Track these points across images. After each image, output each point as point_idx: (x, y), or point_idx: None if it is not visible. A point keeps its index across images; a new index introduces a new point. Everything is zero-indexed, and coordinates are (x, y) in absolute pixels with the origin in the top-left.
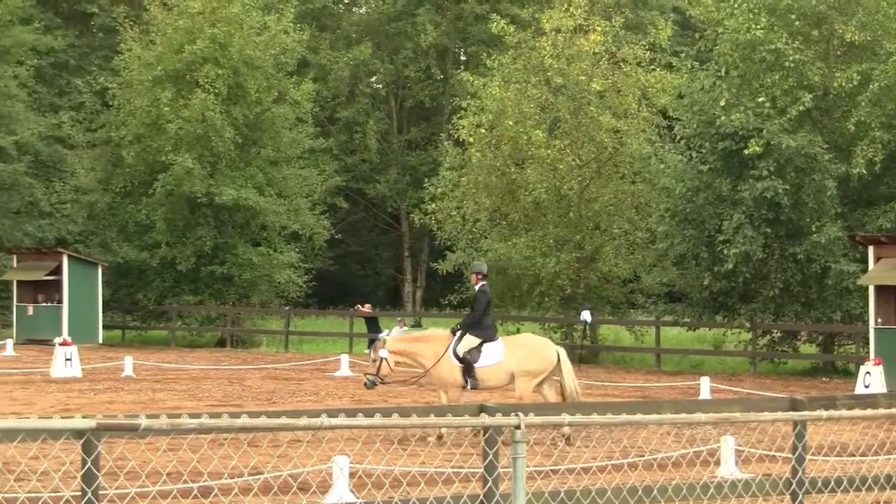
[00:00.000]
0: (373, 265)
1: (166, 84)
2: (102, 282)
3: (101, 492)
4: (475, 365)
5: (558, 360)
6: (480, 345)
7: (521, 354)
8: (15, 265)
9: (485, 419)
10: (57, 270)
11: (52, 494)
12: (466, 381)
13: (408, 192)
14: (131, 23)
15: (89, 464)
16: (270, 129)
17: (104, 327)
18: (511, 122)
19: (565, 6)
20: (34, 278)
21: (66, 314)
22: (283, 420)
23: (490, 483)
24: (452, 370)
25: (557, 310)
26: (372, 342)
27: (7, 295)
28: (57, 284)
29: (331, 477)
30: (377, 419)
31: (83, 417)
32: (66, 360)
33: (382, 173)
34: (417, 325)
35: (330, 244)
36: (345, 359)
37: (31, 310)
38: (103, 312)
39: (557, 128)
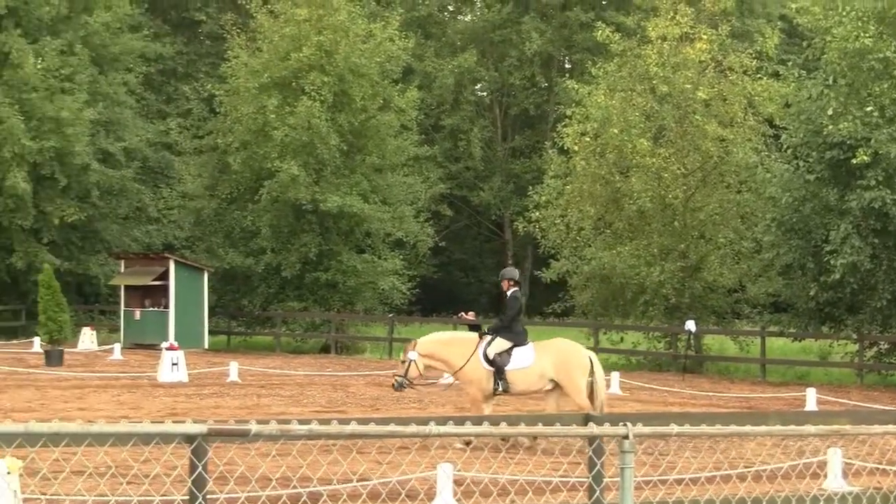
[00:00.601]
0: (476, 273)
1: (272, 91)
2: (208, 287)
3: (210, 496)
4: (505, 368)
5: (591, 365)
6: (511, 348)
7: (556, 359)
8: (122, 270)
9: (593, 429)
10: (164, 276)
11: (163, 498)
12: (497, 385)
13: (512, 199)
14: (238, 30)
15: (200, 468)
16: (375, 136)
17: (210, 332)
18: (616, 131)
19: (671, 14)
20: (141, 283)
21: (173, 319)
22: (392, 427)
23: (597, 493)
24: (481, 373)
25: (661, 319)
26: None
27: (115, 300)
28: (164, 289)
29: (422, 484)
30: (485, 427)
31: (194, 422)
32: (173, 364)
33: (486, 181)
34: None
35: (434, 252)
36: None
37: (138, 314)
38: (209, 318)
39: (662, 136)
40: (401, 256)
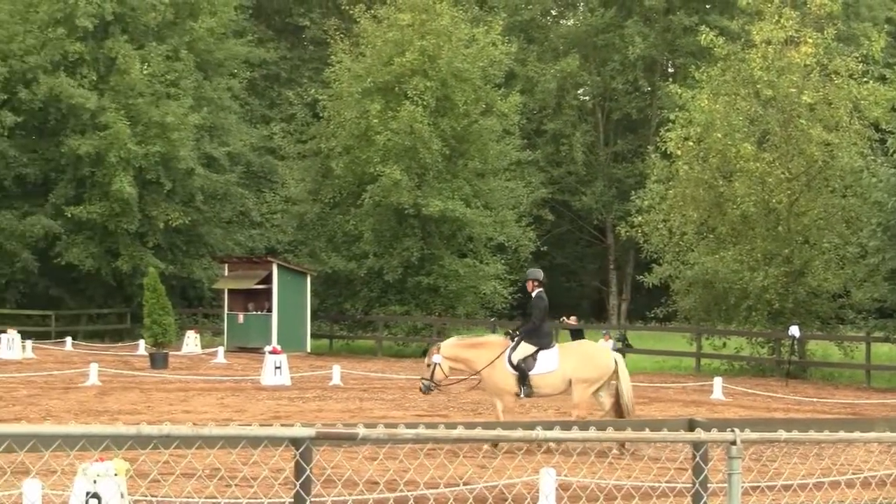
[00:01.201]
0: (578, 277)
1: (375, 96)
2: (311, 291)
3: (316, 499)
4: (530, 373)
5: (615, 367)
6: (536, 352)
7: (577, 362)
8: (226, 274)
9: (700, 435)
10: (267, 279)
11: (270, 501)
12: (521, 389)
13: (613, 204)
14: (341, 35)
15: (308, 471)
16: (477, 140)
17: (312, 336)
18: (719, 135)
19: (776, 18)
20: (245, 287)
21: (276, 323)
22: (499, 432)
23: (704, 499)
24: (506, 377)
25: (765, 324)
26: None
27: (218, 303)
28: (267, 293)
29: (529, 489)
30: (591, 432)
31: (302, 426)
32: (276, 368)
33: (588, 185)
34: (623, 339)
35: (535, 256)
36: None
37: (241, 318)
38: (311, 321)
39: (766, 140)
40: (502, 261)
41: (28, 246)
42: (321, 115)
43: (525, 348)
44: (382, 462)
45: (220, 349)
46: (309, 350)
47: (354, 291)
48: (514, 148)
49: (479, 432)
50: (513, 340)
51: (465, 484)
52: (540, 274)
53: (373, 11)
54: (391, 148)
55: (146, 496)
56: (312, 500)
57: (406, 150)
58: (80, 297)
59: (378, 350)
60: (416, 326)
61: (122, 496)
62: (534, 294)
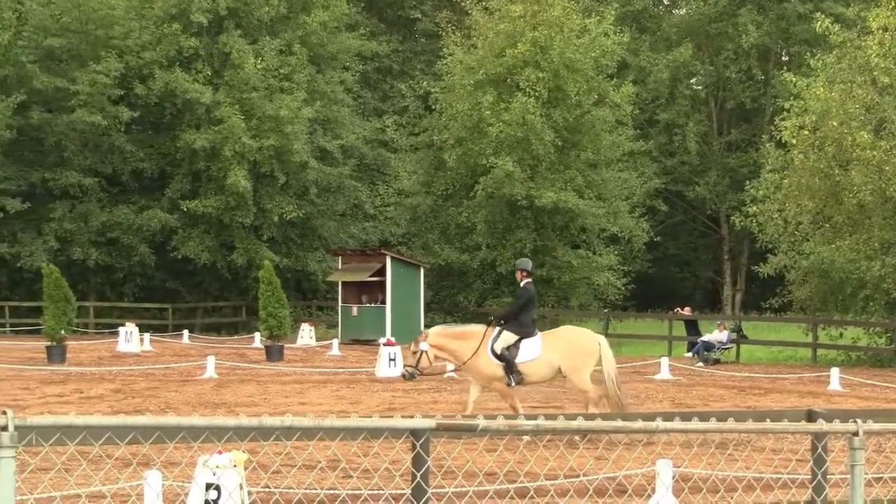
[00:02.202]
0: (691, 268)
1: (487, 88)
2: (424, 283)
3: (435, 490)
4: (515, 361)
5: (600, 349)
6: (518, 341)
7: (563, 348)
8: (340, 266)
9: (822, 426)
10: (380, 272)
11: (392, 492)
12: (510, 378)
13: (728, 194)
14: (453, 27)
15: (428, 463)
16: (590, 131)
17: (426, 327)
18: (835, 123)
19: (893, 4)
20: (358, 279)
21: (390, 315)
22: (619, 423)
23: (826, 490)
24: (490, 366)
25: (883, 314)
26: (692, 345)
27: (332, 296)
28: (380, 285)
29: (648, 481)
30: (712, 423)
31: (422, 417)
32: (390, 360)
33: (702, 175)
34: (738, 329)
35: (649, 247)
36: (664, 362)
37: (355, 310)
38: (425, 313)
39: (883, 128)
40: (616, 252)
41: (145, 240)
42: (433, 107)
43: (507, 337)
44: (502, 454)
45: (335, 341)
46: None
47: (467, 283)
48: (627, 138)
49: (599, 423)
50: (494, 328)
51: (584, 475)
52: (528, 264)
53: (484, 3)
54: (504, 139)
55: (267, 488)
56: (432, 491)
57: (518, 142)
58: (196, 290)
59: None
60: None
61: (241, 487)
62: (522, 283)
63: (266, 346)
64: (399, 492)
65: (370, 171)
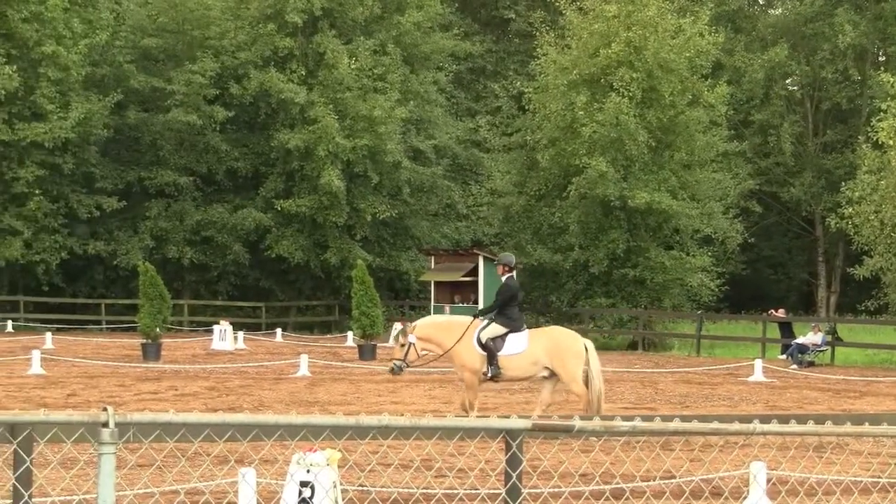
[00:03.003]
0: (785, 269)
1: (581, 88)
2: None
3: (530, 490)
4: (498, 353)
5: (586, 352)
6: (505, 334)
7: (549, 347)
8: (433, 266)
9: None
10: (473, 272)
11: (484, 492)
12: (488, 368)
13: (823, 195)
14: (547, 27)
15: (523, 463)
16: (684, 132)
17: None
18: None
19: None
20: (451, 279)
21: None
22: (715, 425)
23: None
24: (473, 356)
25: None
26: (786, 347)
27: (425, 295)
28: (473, 285)
29: (744, 483)
30: (810, 426)
31: (518, 418)
32: None
33: (797, 177)
34: (833, 332)
35: (742, 248)
36: (758, 364)
37: (447, 310)
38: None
39: None
40: (709, 253)
41: (239, 238)
42: (527, 107)
43: (495, 328)
44: (598, 454)
45: None
46: None
47: (560, 283)
48: (721, 139)
49: (695, 425)
50: (481, 320)
51: (663, 477)
52: (511, 259)
53: (578, 3)
54: (597, 140)
55: (363, 486)
56: (527, 491)
57: (612, 142)
58: (289, 289)
59: None
60: (622, 319)
61: (334, 486)
62: (504, 279)
63: (359, 345)
64: (494, 491)
65: (463, 171)
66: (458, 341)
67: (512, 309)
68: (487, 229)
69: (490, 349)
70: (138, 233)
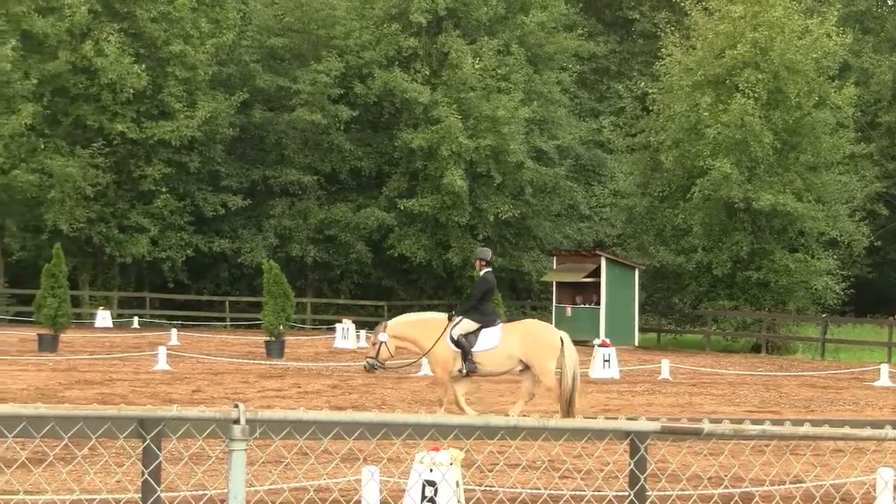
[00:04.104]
0: None
1: (706, 89)
2: (639, 284)
3: (658, 493)
4: (472, 349)
5: (562, 345)
6: (478, 330)
7: (522, 340)
8: (555, 267)
9: None
10: (595, 273)
11: (612, 494)
12: (463, 365)
13: None
14: (672, 28)
15: (651, 465)
16: (810, 133)
17: (640, 330)
18: None
19: None
20: (573, 280)
21: (604, 316)
22: (846, 430)
23: None
24: (448, 353)
25: None
26: None
27: (546, 296)
28: (595, 286)
29: (873, 489)
30: None
31: (647, 420)
32: (605, 361)
33: None
34: None
35: (868, 251)
36: (884, 369)
37: (569, 311)
38: (639, 315)
39: None
40: (834, 256)
41: (362, 237)
42: (650, 108)
43: (467, 324)
44: (707, 458)
45: None
46: (637, 343)
47: (683, 285)
48: (848, 141)
49: (825, 430)
50: (451, 320)
51: (791, 482)
52: (488, 254)
53: (704, 4)
54: (721, 141)
55: (491, 487)
56: (655, 494)
57: (736, 144)
58: (411, 288)
59: (706, 345)
60: (745, 322)
61: (457, 485)
62: (481, 273)
63: None
64: (621, 493)
65: (586, 172)
66: (436, 342)
67: (486, 304)
68: (610, 230)
69: (463, 345)
70: (262, 231)
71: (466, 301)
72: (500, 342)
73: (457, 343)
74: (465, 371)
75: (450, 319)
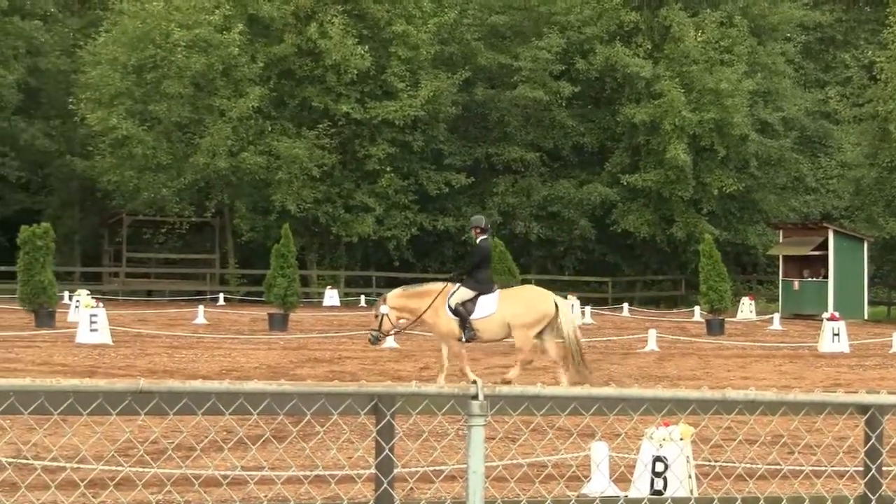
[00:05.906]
0: None
1: None
2: (868, 257)
3: (884, 468)
4: (470, 317)
5: (556, 310)
6: (476, 297)
7: (516, 306)
8: (781, 240)
9: None
10: (822, 246)
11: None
12: (463, 333)
13: None
14: None
15: (873, 439)
16: None
17: (869, 303)
18: None
19: None
20: (799, 253)
21: (832, 289)
22: None
23: None
24: (449, 322)
25: None
26: None
27: (772, 270)
28: (822, 260)
29: None
30: None
31: (888, 393)
32: (834, 335)
33: None
34: None
35: None
36: None
37: (796, 284)
38: (868, 288)
39: None
40: None
41: (585, 213)
42: (878, 77)
43: (464, 293)
44: None
45: (776, 316)
46: (866, 317)
47: None
48: None
49: None
50: (453, 285)
51: None
52: (482, 221)
53: None
54: None
55: (708, 461)
56: (880, 469)
57: None
58: (635, 264)
59: None
60: None
61: (687, 460)
62: (478, 241)
63: (707, 320)
64: (843, 469)
65: (811, 144)
66: (428, 308)
67: (482, 272)
68: (837, 202)
69: (461, 313)
70: (486, 208)
71: (462, 269)
72: (496, 309)
73: (455, 311)
74: (464, 339)
75: (447, 283)
